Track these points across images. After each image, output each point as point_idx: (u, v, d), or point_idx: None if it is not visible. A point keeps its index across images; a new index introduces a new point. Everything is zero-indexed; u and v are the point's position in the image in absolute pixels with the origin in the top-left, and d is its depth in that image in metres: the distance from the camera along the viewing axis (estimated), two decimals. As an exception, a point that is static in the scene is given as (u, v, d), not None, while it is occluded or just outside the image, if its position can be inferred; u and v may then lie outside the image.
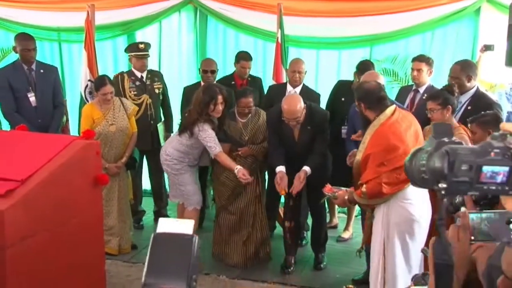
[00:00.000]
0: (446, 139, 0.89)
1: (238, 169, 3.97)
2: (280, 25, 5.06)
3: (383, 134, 3.09)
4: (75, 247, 2.99)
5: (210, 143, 4.02)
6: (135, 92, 4.93)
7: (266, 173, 4.62)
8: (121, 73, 5.08)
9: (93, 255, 3.20)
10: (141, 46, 4.99)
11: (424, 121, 3.87)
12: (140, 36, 6.01)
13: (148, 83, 5.04)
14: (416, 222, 3.12)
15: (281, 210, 5.11)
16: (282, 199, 5.39)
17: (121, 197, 4.54)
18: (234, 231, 4.38)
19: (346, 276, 4.12)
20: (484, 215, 1.17)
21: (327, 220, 4.94)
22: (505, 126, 0.90)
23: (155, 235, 1.36)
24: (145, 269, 1.35)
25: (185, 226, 1.37)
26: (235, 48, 5.77)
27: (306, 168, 3.96)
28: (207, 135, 4.02)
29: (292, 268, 4.32)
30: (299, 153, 4.08)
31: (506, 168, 0.84)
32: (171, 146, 4.28)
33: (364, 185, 3.11)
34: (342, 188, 3.42)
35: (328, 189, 3.48)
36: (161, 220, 1.45)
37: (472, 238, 1.15)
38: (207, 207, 5.48)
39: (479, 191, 0.86)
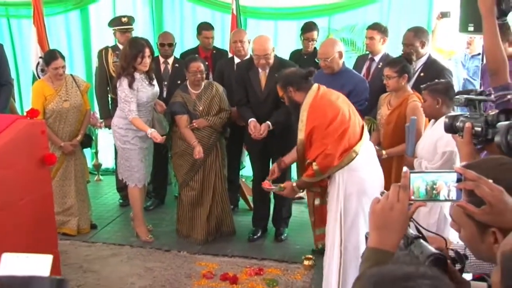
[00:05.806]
0: None
1: (151, 132, 3.95)
2: (235, -4, 4.97)
3: (318, 106, 3.14)
4: (25, 228, 2.91)
5: (126, 106, 3.98)
6: None
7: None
8: (106, 48, 4.94)
9: (45, 236, 3.11)
10: (124, 19, 4.84)
11: (379, 89, 3.88)
12: (94, 10, 5.82)
13: None
14: (370, 189, 3.10)
15: (243, 184, 5.11)
16: (244, 172, 5.40)
17: (78, 176, 4.45)
18: (197, 206, 4.33)
19: (307, 246, 4.12)
20: (426, 174, 1.19)
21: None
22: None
23: None
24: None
25: (39, 264, 0.98)
26: (192, 21, 5.64)
27: (268, 122, 4.00)
28: (124, 96, 3.99)
29: (259, 235, 4.39)
30: (265, 110, 4.08)
31: None
32: (116, 115, 4.25)
33: (314, 163, 3.10)
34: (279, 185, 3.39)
35: (267, 184, 3.45)
36: (5, 256, 1.04)
37: (412, 197, 1.16)
38: (169, 184, 5.43)
39: None
